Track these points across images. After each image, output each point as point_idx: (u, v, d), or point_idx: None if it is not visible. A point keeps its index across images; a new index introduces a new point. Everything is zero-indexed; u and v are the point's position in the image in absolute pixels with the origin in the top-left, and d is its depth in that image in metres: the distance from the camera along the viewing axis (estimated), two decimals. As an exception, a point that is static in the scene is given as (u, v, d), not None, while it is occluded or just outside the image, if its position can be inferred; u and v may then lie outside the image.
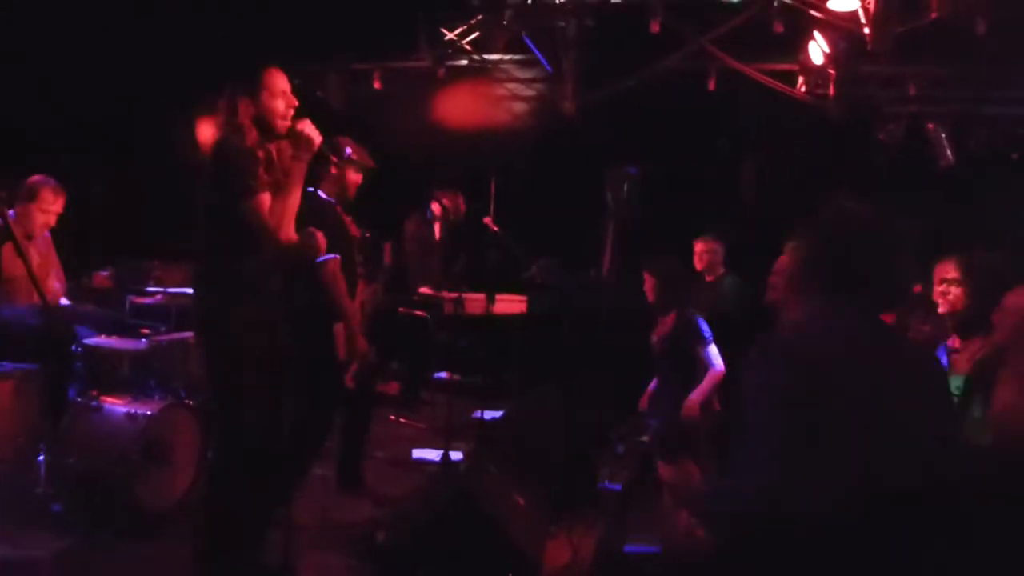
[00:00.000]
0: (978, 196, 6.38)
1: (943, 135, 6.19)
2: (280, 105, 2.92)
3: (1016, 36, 5.04)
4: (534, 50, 6.10)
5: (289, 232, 2.91)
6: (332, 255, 3.49)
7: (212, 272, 2.94)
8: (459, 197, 5.83)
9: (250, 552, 3.00)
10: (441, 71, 6.40)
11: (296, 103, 2.95)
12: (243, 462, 2.93)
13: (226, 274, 2.89)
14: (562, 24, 5.82)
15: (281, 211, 2.86)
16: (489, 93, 6.68)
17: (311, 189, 3.48)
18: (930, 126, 6.17)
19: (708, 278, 5.45)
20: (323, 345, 3.52)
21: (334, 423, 3.97)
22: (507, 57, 6.44)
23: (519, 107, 6.80)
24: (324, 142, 2.98)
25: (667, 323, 4.26)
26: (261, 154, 2.87)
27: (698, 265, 5.45)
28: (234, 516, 2.93)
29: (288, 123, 2.94)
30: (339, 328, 3.53)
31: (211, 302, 2.93)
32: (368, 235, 4.05)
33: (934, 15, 4.58)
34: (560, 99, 6.23)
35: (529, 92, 6.76)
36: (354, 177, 3.76)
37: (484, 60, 6.38)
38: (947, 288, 2.89)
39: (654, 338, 4.34)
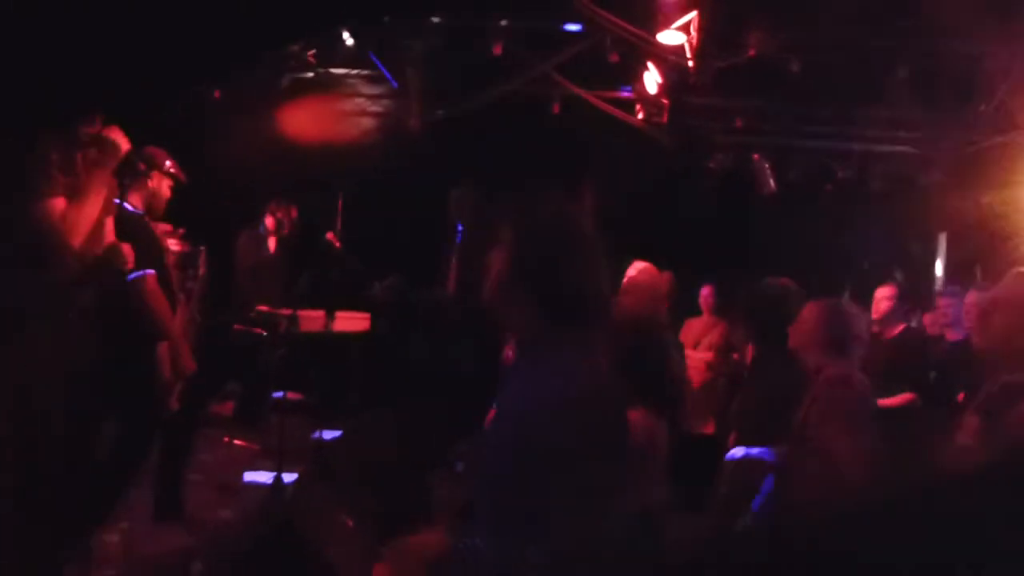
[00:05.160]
0: (797, 222, 6.90)
1: (766, 165, 6.64)
2: None
3: (825, 76, 5.51)
4: (380, 66, 6.07)
5: (90, 242, 2.73)
6: (149, 270, 3.31)
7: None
8: (292, 208, 5.69)
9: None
10: (284, 82, 6.24)
11: None
12: (42, 501, 2.71)
13: (17, 289, 2.68)
14: (407, 42, 5.82)
15: (75, 218, 2.68)
16: (335, 108, 6.57)
17: (117, 201, 3.30)
18: (755, 157, 6.61)
19: None
20: (139, 365, 3.32)
21: (153, 446, 3.74)
22: (353, 72, 6.37)
23: (366, 122, 6.72)
24: (134, 151, 2.83)
25: None
26: (55, 155, 2.69)
27: None
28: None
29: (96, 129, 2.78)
30: (164, 347, 3.34)
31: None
32: (191, 249, 3.86)
33: (752, 52, 4.91)
34: (405, 116, 6.22)
35: (376, 108, 6.70)
36: (167, 190, 3.60)
37: (329, 73, 6.28)
38: None
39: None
